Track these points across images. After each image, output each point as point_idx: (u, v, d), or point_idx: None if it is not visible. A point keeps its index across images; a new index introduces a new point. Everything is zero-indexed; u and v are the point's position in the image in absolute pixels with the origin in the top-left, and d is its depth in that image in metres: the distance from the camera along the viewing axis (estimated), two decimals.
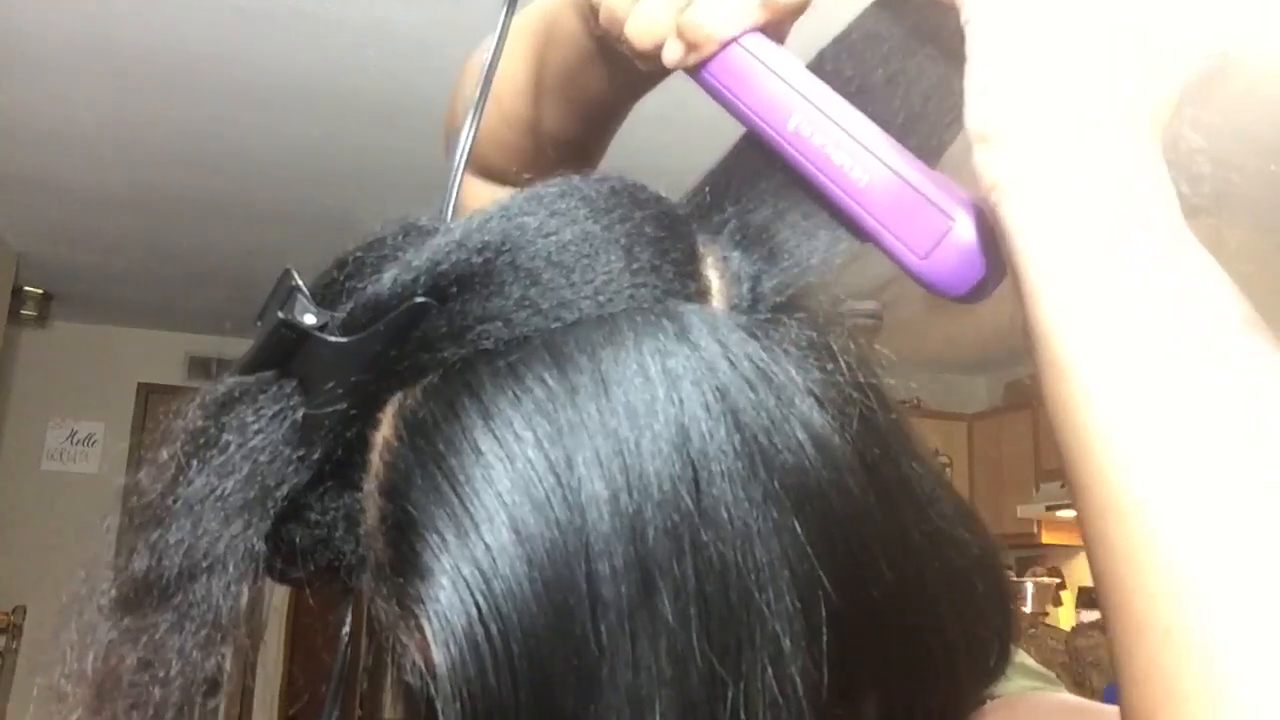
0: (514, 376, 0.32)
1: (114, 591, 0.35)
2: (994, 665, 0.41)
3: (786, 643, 0.30)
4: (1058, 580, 5.26)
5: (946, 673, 0.39)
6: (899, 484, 0.36)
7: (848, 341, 0.36)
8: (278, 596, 0.42)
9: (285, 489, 0.34)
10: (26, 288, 4.95)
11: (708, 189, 0.40)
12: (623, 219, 0.35)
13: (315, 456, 0.34)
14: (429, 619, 0.30)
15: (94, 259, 4.53)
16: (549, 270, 0.33)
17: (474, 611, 0.30)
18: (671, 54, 0.39)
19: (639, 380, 0.31)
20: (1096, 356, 0.28)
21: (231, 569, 0.34)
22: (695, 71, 0.40)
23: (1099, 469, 0.28)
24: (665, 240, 0.35)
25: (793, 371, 0.33)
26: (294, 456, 0.34)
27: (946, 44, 0.36)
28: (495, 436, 0.31)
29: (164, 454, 0.35)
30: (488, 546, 0.30)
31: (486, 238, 0.34)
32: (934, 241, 0.34)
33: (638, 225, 0.35)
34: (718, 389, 0.31)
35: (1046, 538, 5.21)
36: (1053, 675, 0.48)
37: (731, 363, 0.32)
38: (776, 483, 0.31)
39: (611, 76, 0.48)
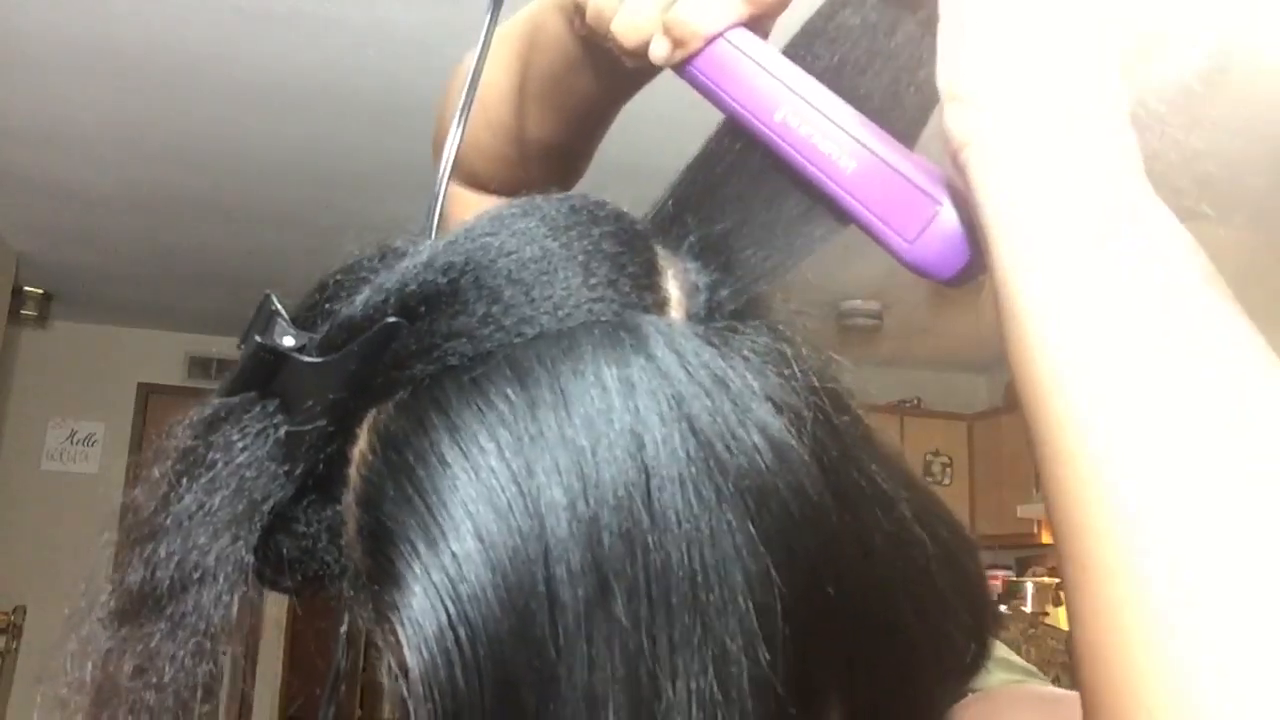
0: (478, 391, 0.33)
1: (111, 603, 0.37)
2: (970, 661, 0.43)
3: (732, 644, 0.31)
4: (1058, 580, 5.25)
5: (911, 672, 0.40)
6: (857, 485, 0.37)
7: (803, 347, 0.37)
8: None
9: (271, 503, 0.36)
10: (26, 288, 4.95)
11: (670, 201, 0.41)
12: (580, 236, 0.36)
13: (298, 471, 0.36)
14: (402, 624, 0.32)
15: (94, 259, 4.53)
16: (509, 288, 0.34)
17: (443, 617, 0.31)
18: (658, 51, 0.39)
19: (596, 391, 0.33)
20: (1066, 327, 0.29)
21: (221, 580, 0.35)
22: (682, 68, 0.40)
23: (1068, 442, 0.28)
24: (623, 255, 0.36)
25: (749, 377, 0.34)
26: (279, 472, 0.36)
27: (920, 22, 0.37)
28: (461, 449, 0.33)
29: (156, 472, 0.37)
30: (454, 554, 0.31)
31: (452, 259, 0.35)
32: (921, 226, 0.35)
33: (595, 242, 0.36)
34: (673, 397, 0.33)
35: (1047, 538, 5.20)
36: (1035, 669, 0.49)
37: (688, 371, 0.33)
38: (731, 486, 0.32)
39: (597, 79, 0.49)
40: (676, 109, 0.68)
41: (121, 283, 4.84)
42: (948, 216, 0.35)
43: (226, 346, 5.72)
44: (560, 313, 0.35)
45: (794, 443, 0.34)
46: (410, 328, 0.35)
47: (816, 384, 0.36)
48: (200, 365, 5.76)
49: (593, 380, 0.33)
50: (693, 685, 0.31)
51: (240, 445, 0.36)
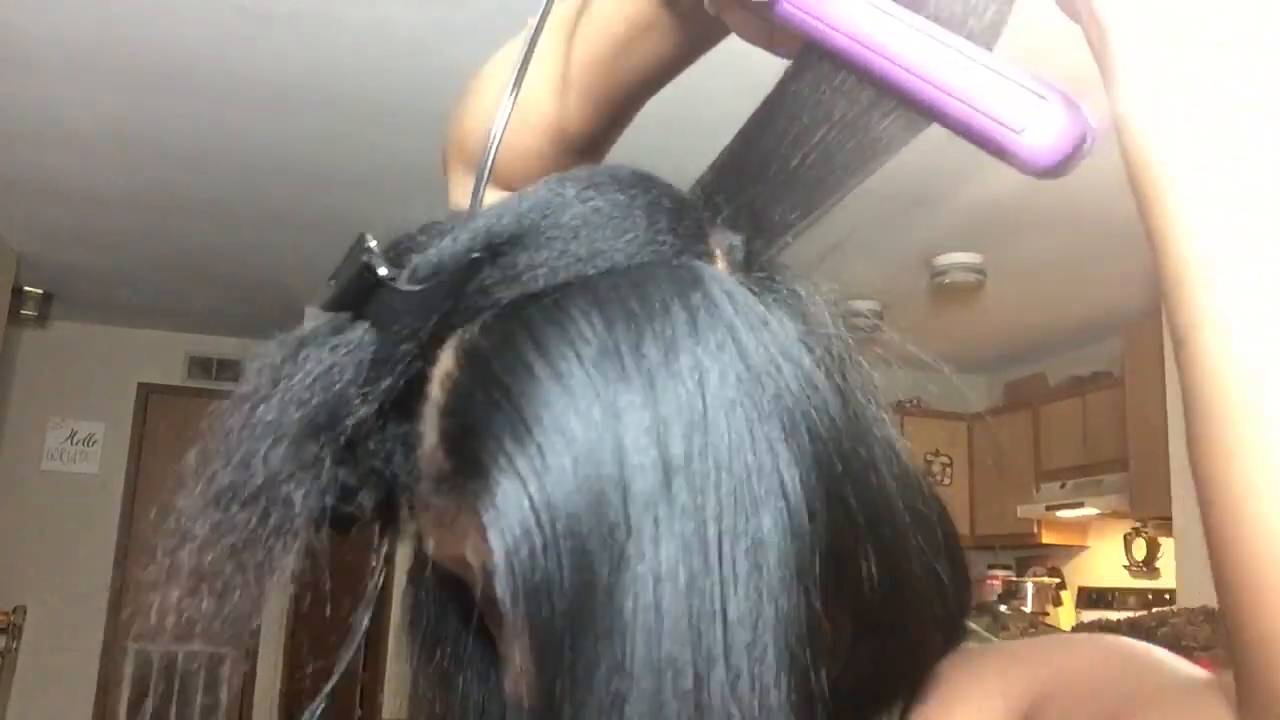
0: (559, 310, 0.38)
1: (204, 499, 0.41)
2: (955, 616, 0.48)
3: (770, 535, 0.37)
4: (1058, 580, 5.26)
5: (910, 608, 0.44)
6: (869, 422, 0.43)
7: (820, 299, 0.44)
8: (277, 605, 0.46)
9: (354, 419, 0.40)
10: (26, 288, 4.95)
11: (700, 189, 0.47)
12: (644, 192, 0.42)
13: (382, 389, 0.40)
14: (490, 509, 0.36)
15: (94, 259, 4.53)
16: (585, 228, 0.40)
17: (527, 502, 0.36)
18: None
19: (662, 316, 0.38)
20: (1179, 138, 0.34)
21: (309, 482, 0.40)
22: (773, 6, 0.43)
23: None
24: (678, 213, 0.42)
25: (785, 320, 0.40)
26: (363, 390, 0.40)
27: None
28: (544, 358, 0.37)
29: (243, 389, 0.42)
30: (539, 447, 0.36)
31: (532, 204, 0.41)
32: (1031, 117, 0.40)
33: (656, 199, 0.42)
34: (727, 327, 0.38)
35: (1046, 538, 5.21)
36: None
37: (735, 309, 0.39)
38: (770, 406, 0.38)
39: (664, 41, 0.52)
40: (677, 110, 0.68)
41: (121, 283, 4.84)
42: (1055, 107, 0.40)
43: (226, 346, 5.73)
44: (630, 249, 0.40)
45: (820, 376, 0.40)
46: (494, 262, 0.40)
47: (833, 331, 0.42)
48: (200, 365, 5.76)
49: (659, 308, 0.38)
50: (738, 567, 0.36)
51: (329, 361, 0.40)
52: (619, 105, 0.55)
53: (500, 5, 2.39)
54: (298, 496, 0.39)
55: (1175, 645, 3.13)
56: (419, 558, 0.51)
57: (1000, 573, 5.44)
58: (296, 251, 4.15)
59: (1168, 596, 4.43)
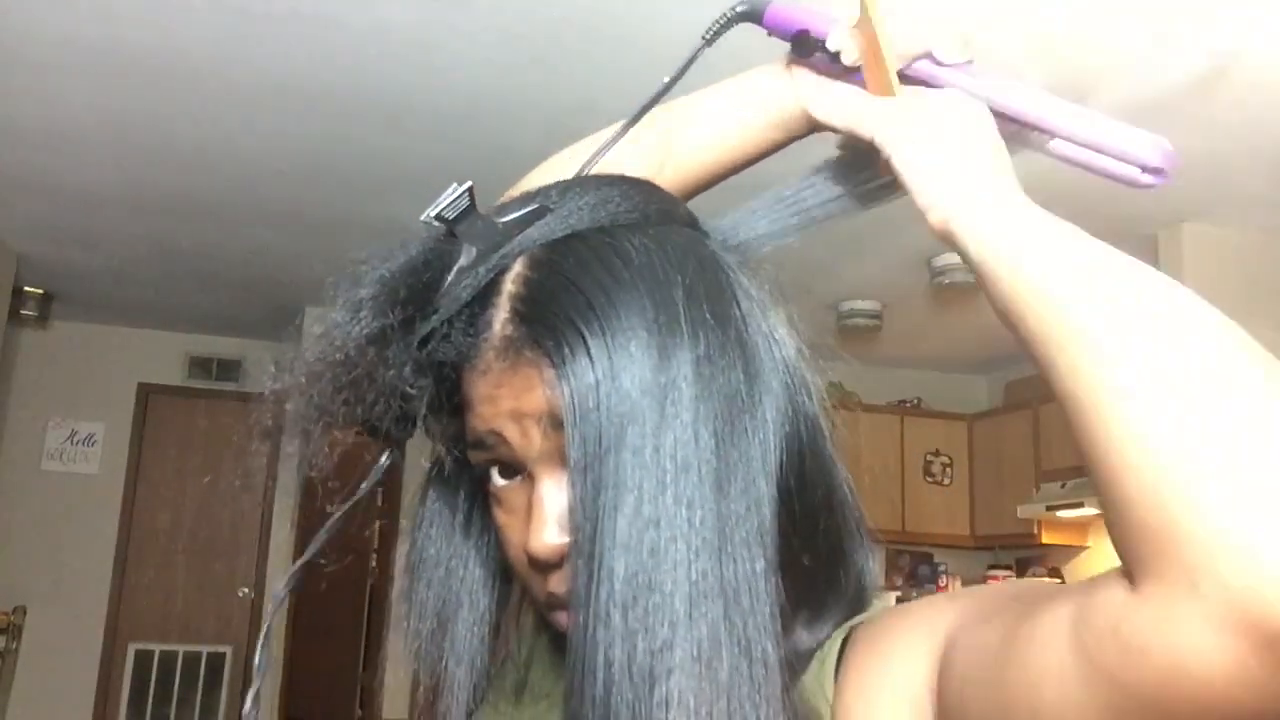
0: (609, 234, 0.52)
1: (312, 358, 0.52)
2: (864, 579, 0.57)
3: (776, 388, 0.52)
4: (1058, 580, 5.26)
5: (840, 545, 0.56)
6: (817, 391, 0.55)
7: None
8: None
9: (439, 307, 0.52)
10: (26, 288, 4.95)
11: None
12: (653, 183, 0.59)
13: (465, 288, 0.51)
14: (564, 361, 0.47)
15: (94, 259, 4.53)
16: (618, 194, 0.54)
17: (587, 356, 0.47)
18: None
19: (682, 244, 0.53)
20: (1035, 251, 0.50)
21: (402, 344, 0.51)
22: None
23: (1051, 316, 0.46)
24: (677, 202, 0.59)
25: (766, 289, 0.55)
26: (449, 286, 0.52)
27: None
28: (599, 258, 0.50)
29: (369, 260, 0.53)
30: (601, 324, 0.48)
31: (575, 182, 0.56)
32: (1161, 156, 0.56)
33: (658, 189, 0.58)
34: (728, 266, 0.54)
35: (1046, 538, 5.21)
36: None
37: (734, 267, 0.54)
38: (762, 338, 0.52)
39: (763, 145, 0.68)
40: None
41: (121, 283, 4.84)
42: (1164, 144, 0.56)
43: (226, 346, 5.73)
44: (662, 208, 0.55)
45: (792, 343, 0.54)
46: (552, 212, 0.53)
47: (794, 316, 0.56)
48: (200, 365, 5.76)
49: (684, 240, 0.53)
50: (769, 411, 0.50)
51: (424, 259, 0.52)
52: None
53: (499, 5, 2.39)
54: (393, 354, 0.51)
55: None
56: (437, 465, 0.61)
57: (1000, 573, 5.45)
58: (296, 251, 4.15)
59: None
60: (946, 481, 5.62)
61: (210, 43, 2.66)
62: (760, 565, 0.47)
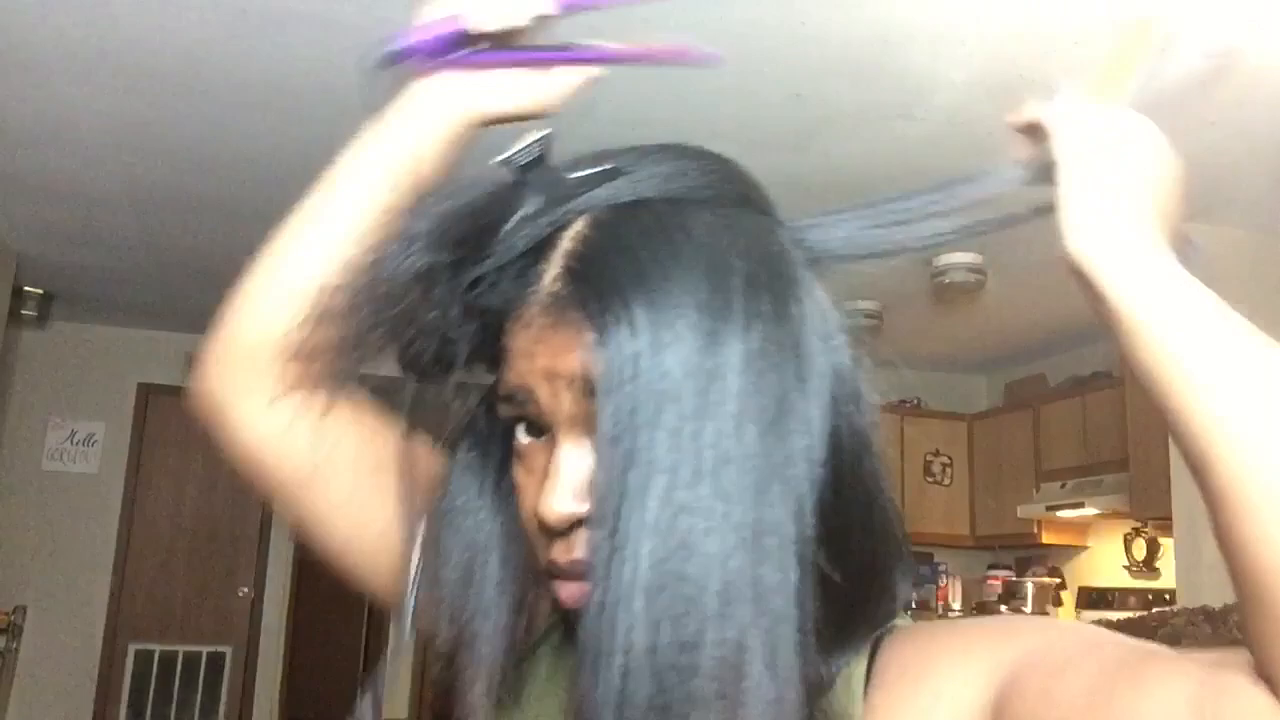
0: (674, 205, 0.50)
1: (359, 284, 0.52)
2: (900, 589, 0.56)
3: (821, 365, 0.51)
4: (1058, 580, 5.26)
5: (874, 560, 0.54)
6: (869, 414, 0.55)
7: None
8: (278, 607, 0.48)
9: (493, 258, 0.51)
10: (26, 288, 4.95)
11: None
12: (734, 163, 0.56)
13: (523, 237, 0.50)
14: (605, 327, 0.46)
15: (94, 259, 4.53)
16: (695, 168, 0.53)
17: (630, 326, 0.46)
18: None
19: (751, 224, 0.52)
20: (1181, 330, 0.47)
21: (450, 285, 0.51)
22: None
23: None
24: (757, 186, 0.56)
25: (829, 294, 0.55)
26: (506, 233, 0.51)
27: None
28: (661, 225, 0.49)
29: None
30: (651, 294, 0.46)
31: (653, 149, 0.53)
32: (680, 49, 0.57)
33: (738, 169, 0.56)
34: (799, 263, 0.54)
35: (1046, 538, 5.21)
36: None
37: (801, 263, 0.54)
38: (819, 335, 0.52)
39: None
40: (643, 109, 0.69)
41: (121, 283, 4.84)
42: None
43: None
44: (739, 190, 0.54)
45: (847, 345, 0.53)
46: (623, 176, 0.51)
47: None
48: None
49: (754, 226, 0.52)
50: (816, 418, 0.49)
51: (487, 205, 0.51)
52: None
53: None
54: (441, 280, 0.50)
55: (1175, 645, 3.13)
56: (458, 426, 0.60)
57: (1000, 573, 5.45)
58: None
59: (1168, 596, 4.43)
60: (946, 481, 5.62)
61: (210, 43, 2.66)
62: (795, 575, 0.45)
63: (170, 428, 5.68)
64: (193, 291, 4.95)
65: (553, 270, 0.49)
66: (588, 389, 0.47)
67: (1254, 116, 2.83)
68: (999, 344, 5.29)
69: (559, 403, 0.49)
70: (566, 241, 0.50)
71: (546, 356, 0.49)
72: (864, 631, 0.53)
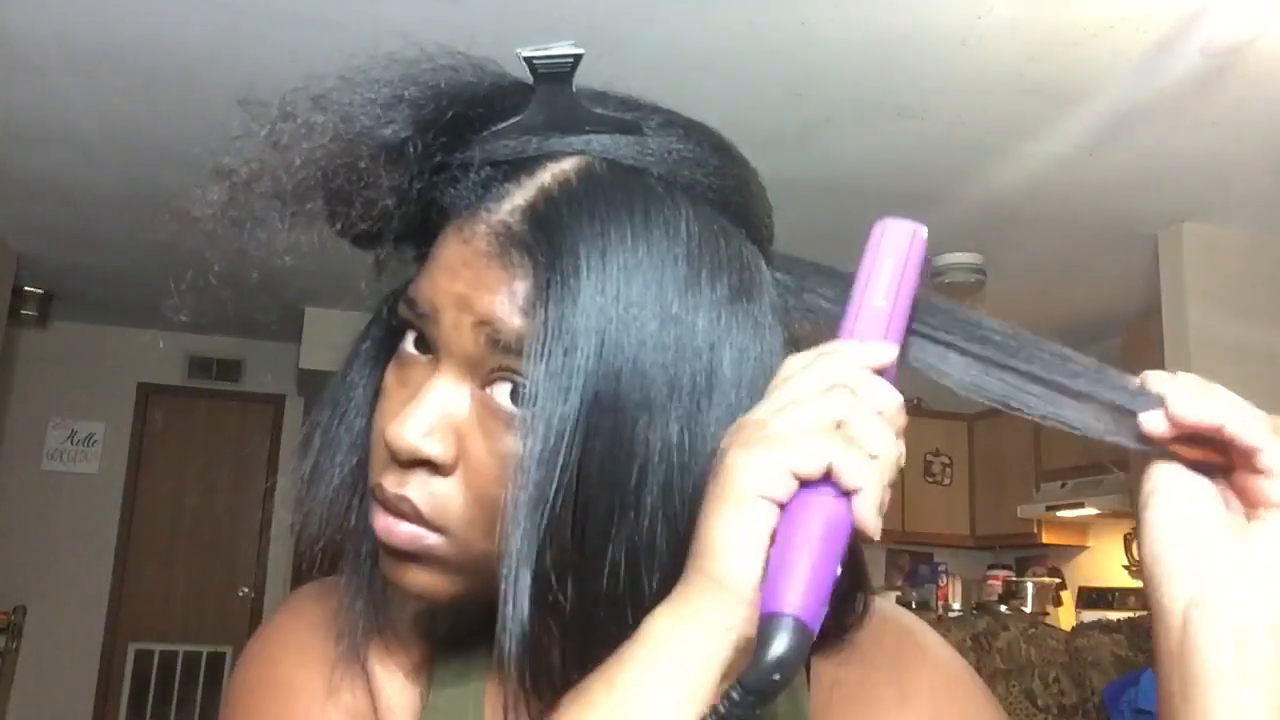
0: (670, 190, 0.46)
1: (319, 131, 0.49)
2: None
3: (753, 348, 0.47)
4: (1058, 580, 5.26)
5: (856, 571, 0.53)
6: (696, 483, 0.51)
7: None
8: (277, 608, 0.51)
9: (467, 155, 0.47)
10: (26, 288, 4.95)
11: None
12: (754, 176, 0.54)
13: (507, 147, 0.47)
14: (546, 286, 0.42)
15: (94, 259, 4.53)
16: (716, 163, 0.49)
17: (570, 300, 0.42)
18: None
19: (739, 258, 0.48)
20: None
21: (415, 164, 0.46)
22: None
23: None
24: (763, 217, 0.53)
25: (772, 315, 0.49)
26: (493, 134, 0.47)
27: None
28: (645, 205, 0.45)
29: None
30: (605, 258, 0.43)
31: (684, 123, 0.50)
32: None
33: (758, 187, 0.53)
34: (773, 309, 0.49)
35: (1046, 538, 5.21)
36: None
37: (773, 306, 0.49)
38: (760, 345, 0.48)
39: None
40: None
41: (121, 283, 4.84)
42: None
43: (226, 346, 5.73)
44: (743, 208, 0.50)
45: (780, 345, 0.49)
46: (640, 136, 0.48)
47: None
48: (200, 365, 5.76)
49: (741, 254, 0.48)
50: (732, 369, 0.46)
51: (487, 96, 0.47)
52: None
53: (499, 6, 2.39)
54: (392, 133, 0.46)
55: None
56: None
57: (1000, 573, 5.44)
58: (310, 227, 4.13)
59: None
60: (946, 481, 5.61)
61: (210, 43, 2.66)
62: None
63: (170, 428, 5.68)
64: (193, 292, 4.94)
65: (518, 198, 0.46)
66: (493, 337, 0.44)
67: (1254, 116, 2.83)
68: None
69: (458, 334, 0.45)
70: (546, 175, 0.46)
71: (468, 284, 0.45)
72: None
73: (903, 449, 0.42)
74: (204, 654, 5.60)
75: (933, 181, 3.32)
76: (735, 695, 0.37)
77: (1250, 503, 0.44)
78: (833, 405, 0.40)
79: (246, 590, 5.71)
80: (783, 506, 0.39)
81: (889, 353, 0.44)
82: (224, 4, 2.47)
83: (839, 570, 0.40)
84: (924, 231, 0.48)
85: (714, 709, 0.37)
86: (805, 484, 0.40)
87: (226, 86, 3.03)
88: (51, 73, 2.85)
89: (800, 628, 0.37)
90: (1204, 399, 0.43)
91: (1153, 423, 0.45)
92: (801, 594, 0.38)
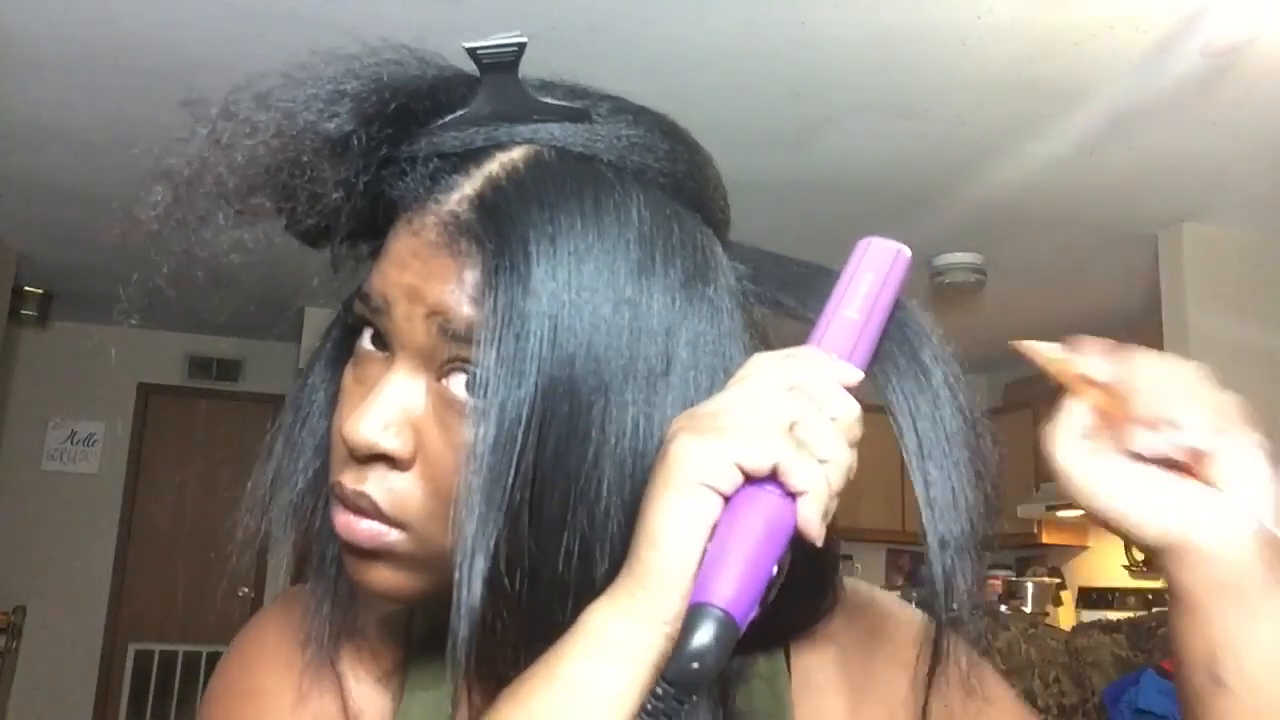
0: (621, 177, 0.46)
1: (262, 128, 0.48)
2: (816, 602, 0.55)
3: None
4: (1058, 580, 5.26)
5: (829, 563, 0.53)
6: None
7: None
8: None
9: (414, 147, 0.46)
10: (26, 288, 4.95)
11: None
12: (708, 162, 0.52)
13: (455, 138, 0.46)
14: (494, 272, 0.42)
15: (94, 259, 4.53)
16: (666, 149, 0.48)
17: (519, 286, 0.42)
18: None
19: (691, 242, 0.47)
20: None
21: (359, 159, 0.46)
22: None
23: None
24: (716, 199, 0.52)
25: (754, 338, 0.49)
26: (439, 126, 0.47)
27: None
28: (596, 193, 0.45)
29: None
30: (555, 246, 0.43)
31: (633, 109, 0.49)
32: None
33: (713, 174, 0.52)
34: (730, 292, 0.49)
35: (1046, 538, 5.21)
36: None
37: (733, 294, 0.49)
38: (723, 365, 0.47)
39: None
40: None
41: (121, 283, 4.83)
42: None
43: (226, 346, 5.73)
44: (696, 192, 0.49)
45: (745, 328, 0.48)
46: (589, 124, 0.47)
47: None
48: (200, 365, 5.76)
49: (694, 238, 0.47)
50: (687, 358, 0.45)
51: (433, 88, 0.47)
52: None
53: (500, 6, 2.39)
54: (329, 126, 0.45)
55: None
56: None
57: (1000, 573, 5.44)
58: (295, 251, 4.13)
59: (1168, 597, 4.42)
60: None
61: (210, 43, 2.66)
62: None
63: (170, 428, 5.68)
64: (193, 292, 4.94)
65: (466, 189, 0.45)
66: (444, 327, 0.44)
67: (1254, 116, 2.83)
68: (999, 344, 5.27)
69: (410, 326, 0.45)
70: (494, 164, 0.45)
71: (417, 275, 0.45)
72: (775, 631, 0.52)
73: (854, 458, 0.42)
74: (204, 654, 5.60)
75: (933, 181, 3.32)
76: (659, 689, 0.37)
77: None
78: (788, 406, 0.40)
79: (246, 590, 5.70)
80: (727, 500, 0.39)
81: (854, 375, 0.44)
82: (224, 4, 2.47)
83: (775, 570, 0.39)
84: (907, 253, 0.49)
85: (643, 708, 0.37)
86: (751, 480, 0.39)
87: (226, 86, 3.01)
88: (51, 73, 2.85)
89: (726, 621, 0.37)
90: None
91: None
92: (732, 588, 0.37)
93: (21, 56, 2.76)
